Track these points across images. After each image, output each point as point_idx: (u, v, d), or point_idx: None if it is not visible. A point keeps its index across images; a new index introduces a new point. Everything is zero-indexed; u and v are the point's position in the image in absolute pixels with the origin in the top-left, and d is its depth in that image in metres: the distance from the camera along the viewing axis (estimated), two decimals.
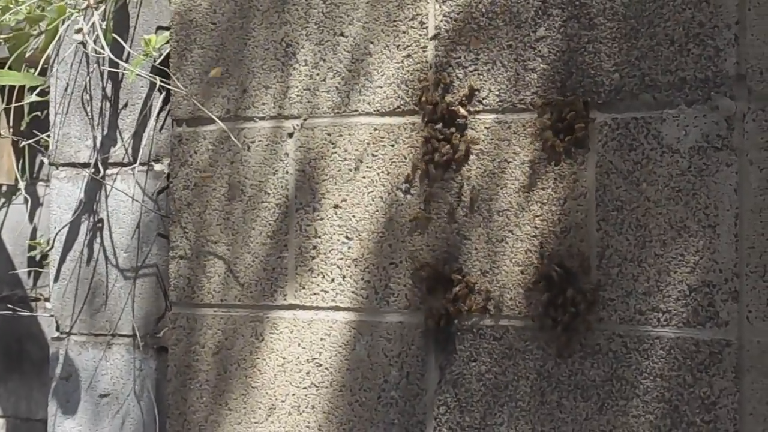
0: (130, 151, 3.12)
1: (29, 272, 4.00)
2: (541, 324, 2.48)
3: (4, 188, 4.12)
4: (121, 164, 3.14)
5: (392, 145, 2.67)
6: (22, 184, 3.94)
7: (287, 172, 2.81)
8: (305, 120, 2.79)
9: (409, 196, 2.65)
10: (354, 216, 2.71)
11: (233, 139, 2.86)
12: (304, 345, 2.77)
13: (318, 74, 2.77)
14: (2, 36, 3.59)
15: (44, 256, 3.80)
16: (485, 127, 2.56)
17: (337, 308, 2.73)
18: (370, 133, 2.70)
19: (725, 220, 2.30)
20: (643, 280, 2.38)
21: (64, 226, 3.23)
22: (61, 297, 3.23)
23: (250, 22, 2.86)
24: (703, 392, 2.32)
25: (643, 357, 2.38)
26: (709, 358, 2.31)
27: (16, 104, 3.55)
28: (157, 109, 3.09)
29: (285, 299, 2.80)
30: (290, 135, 2.81)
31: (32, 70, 3.41)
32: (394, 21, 2.67)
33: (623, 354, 2.40)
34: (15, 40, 3.28)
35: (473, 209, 2.57)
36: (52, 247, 3.26)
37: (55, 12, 3.19)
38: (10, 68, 3.30)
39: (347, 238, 2.72)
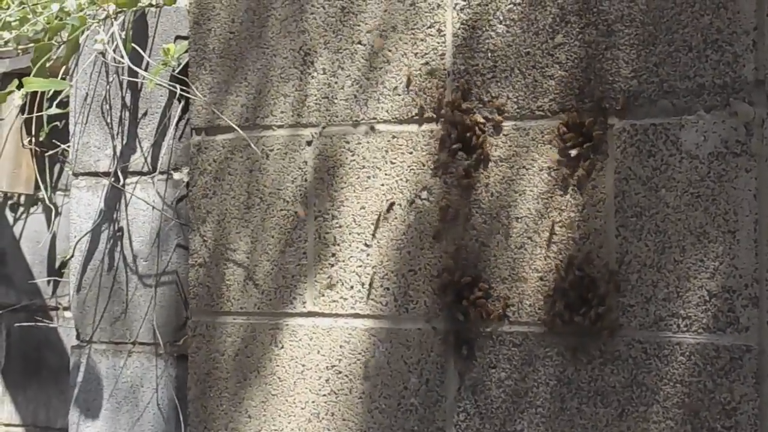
0: (149, 159, 3.13)
1: (48, 281, 4.01)
2: (560, 330, 2.48)
3: (23, 198, 4.13)
4: (141, 173, 3.15)
5: (410, 153, 2.68)
6: (41, 194, 3.95)
7: (306, 180, 2.82)
8: (323, 128, 2.80)
9: (427, 204, 2.65)
10: (373, 223, 2.72)
11: (252, 147, 2.87)
12: (324, 352, 2.78)
13: (336, 82, 2.78)
14: (21, 47, 3.61)
15: (62, 265, 3.81)
16: (503, 134, 2.57)
17: (356, 315, 2.74)
18: (389, 141, 2.71)
19: (745, 225, 2.30)
20: (663, 286, 2.38)
21: (84, 235, 3.24)
22: (82, 305, 3.24)
23: (268, 31, 2.87)
24: (724, 398, 2.32)
25: (663, 363, 2.37)
26: (730, 363, 2.31)
27: (37, 114, 3.57)
28: (176, 118, 3.10)
29: (304, 306, 2.81)
30: (309, 143, 2.82)
31: None
32: (412, 29, 2.68)
33: (643, 360, 2.40)
34: (38, 51, 3.30)
35: (492, 216, 2.57)
36: (72, 256, 3.27)
37: (77, 22, 3.21)
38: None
39: (366, 245, 2.73)
